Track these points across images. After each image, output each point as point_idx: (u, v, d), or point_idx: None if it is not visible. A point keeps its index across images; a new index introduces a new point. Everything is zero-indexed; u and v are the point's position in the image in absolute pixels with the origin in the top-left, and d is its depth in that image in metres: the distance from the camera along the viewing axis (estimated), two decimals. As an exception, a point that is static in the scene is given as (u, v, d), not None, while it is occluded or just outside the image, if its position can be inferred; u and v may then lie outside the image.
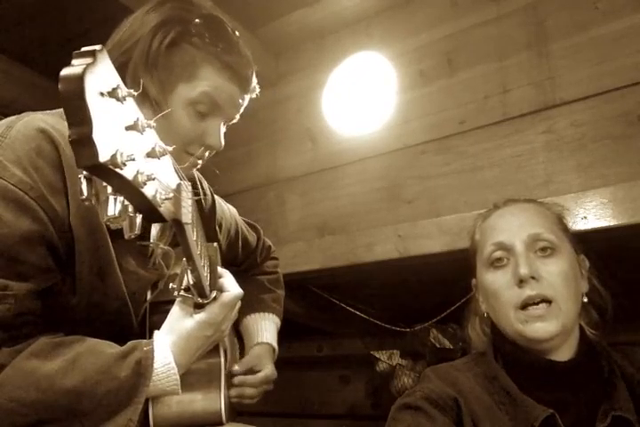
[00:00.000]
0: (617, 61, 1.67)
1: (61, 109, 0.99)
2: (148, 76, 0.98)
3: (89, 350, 0.89)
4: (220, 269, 1.03)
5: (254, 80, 1.12)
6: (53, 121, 0.93)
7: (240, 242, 1.49)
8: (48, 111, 0.97)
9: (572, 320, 1.01)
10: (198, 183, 1.29)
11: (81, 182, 0.51)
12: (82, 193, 0.52)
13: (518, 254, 1.03)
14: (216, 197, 1.39)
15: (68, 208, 0.90)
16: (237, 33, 1.09)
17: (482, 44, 1.94)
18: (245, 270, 1.55)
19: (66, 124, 0.95)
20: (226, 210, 1.45)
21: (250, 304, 1.45)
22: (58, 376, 0.84)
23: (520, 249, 1.04)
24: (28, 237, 0.86)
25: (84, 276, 0.93)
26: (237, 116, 1.14)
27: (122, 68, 0.98)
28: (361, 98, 2.21)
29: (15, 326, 0.86)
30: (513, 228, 1.07)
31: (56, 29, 2.15)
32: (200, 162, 1.10)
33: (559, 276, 1.01)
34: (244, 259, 1.54)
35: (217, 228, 1.35)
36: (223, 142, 1.09)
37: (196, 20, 1.03)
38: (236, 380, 1.27)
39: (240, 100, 1.10)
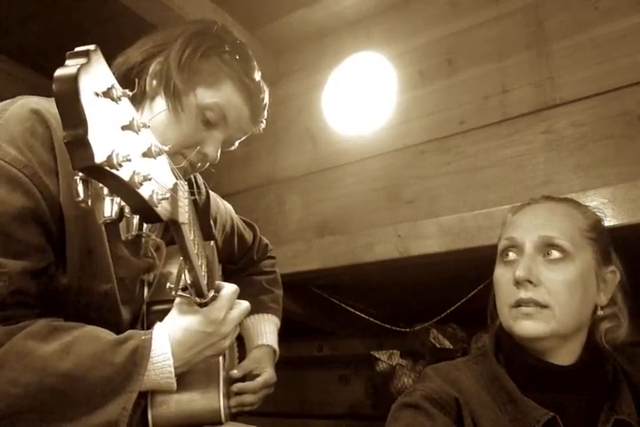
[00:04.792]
0: (617, 61, 1.67)
1: None
2: (177, 74, 1.04)
3: (86, 336, 0.89)
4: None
5: (264, 115, 1.18)
6: (47, 105, 0.94)
7: (236, 238, 1.49)
8: (43, 97, 0.99)
9: (569, 328, 1.00)
10: (192, 178, 1.30)
11: (77, 184, 0.51)
12: (78, 195, 0.51)
13: (525, 255, 1.02)
14: (211, 192, 1.40)
15: (59, 188, 0.90)
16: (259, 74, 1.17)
17: (482, 44, 1.94)
18: (243, 269, 1.56)
19: None
20: (221, 205, 1.45)
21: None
22: (52, 359, 0.84)
23: (528, 249, 1.02)
24: (22, 213, 0.86)
25: (74, 256, 0.93)
26: (236, 144, 1.19)
27: (149, 60, 1.07)
28: (361, 98, 2.21)
29: (10, 306, 0.85)
30: (529, 226, 1.05)
31: (56, 30, 2.15)
32: (192, 170, 1.12)
33: (561, 284, 0.98)
34: (240, 257, 1.54)
35: (212, 222, 1.35)
36: (218, 157, 1.13)
37: (231, 43, 1.11)
38: (235, 387, 1.27)
39: (245, 126, 1.14)
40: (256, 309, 1.46)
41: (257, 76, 1.13)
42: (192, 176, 1.30)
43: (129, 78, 1.05)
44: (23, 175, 0.86)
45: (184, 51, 1.05)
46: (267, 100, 1.17)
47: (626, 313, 1.07)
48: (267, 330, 1.46)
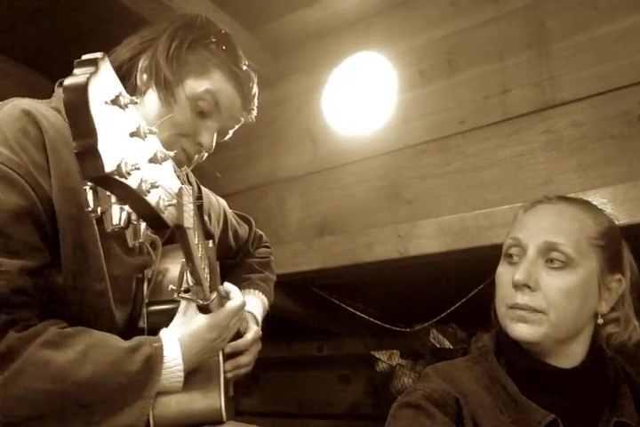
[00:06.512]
0: (617, 61, 1.67)
1: (48, 100, 1.03)
2: (166, 67, 1.05)
3: (98, 343, 0.90)
4: (226, 284, 1.04)
5: (255, 103, 1.19)
6: (39, 106, 0.95)
7: (230, 233, 1.48)
8: (34, 99, 0.99)
9: (564, 333, 0.99)
10: (185, 176, 1.29)
11: (86, 193, 0.51)
12: (87, 204, 0.51)
13: (527, 257, 1.00)
14: (203, 188, 1.39)
15: (51, 188, 0.91)
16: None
17: (482, 44, 1.94)
18: (239, 261, 1.54)
19: (50, 109, 0.98)
20: (213, 200, 1.45)
21: (235, 283, 1.42)
22: (71, 368, 0.85)
23: (531, 253, 1.00)
24: (18, 213, 0.86)
25: (68, 255, 0.93)
26: (230, 133, 1.19)
27: (137, 56, 1.08)
28: (361, 98, 2.21)
29: (14, 306, 0.85)
30: (535, 228, 1.03)
31: (56, 29, 2.15)
32: (188, 161, 1.12)
33: (560, 291, 0.97)
34: (237, 251, 1.53)
35: (207, 218, 1.35)
36: (214, 146, 1.14)
37: (216, 34, 1.12)
38: (229, 347, 1.23)
39: (238, 114, 1.15)
40: (242, 285, 1.41)
41: (244, 64, 1.15)
42: (185, 174, 1.30)
43: (118, 76, 1.05)
44: (17, 175, 0.86)
45: (171, 44, 1.06)
46: (256, 88, 1.18)
47: (633, 317, 1.04)
48: (249, 301, 1.37)
